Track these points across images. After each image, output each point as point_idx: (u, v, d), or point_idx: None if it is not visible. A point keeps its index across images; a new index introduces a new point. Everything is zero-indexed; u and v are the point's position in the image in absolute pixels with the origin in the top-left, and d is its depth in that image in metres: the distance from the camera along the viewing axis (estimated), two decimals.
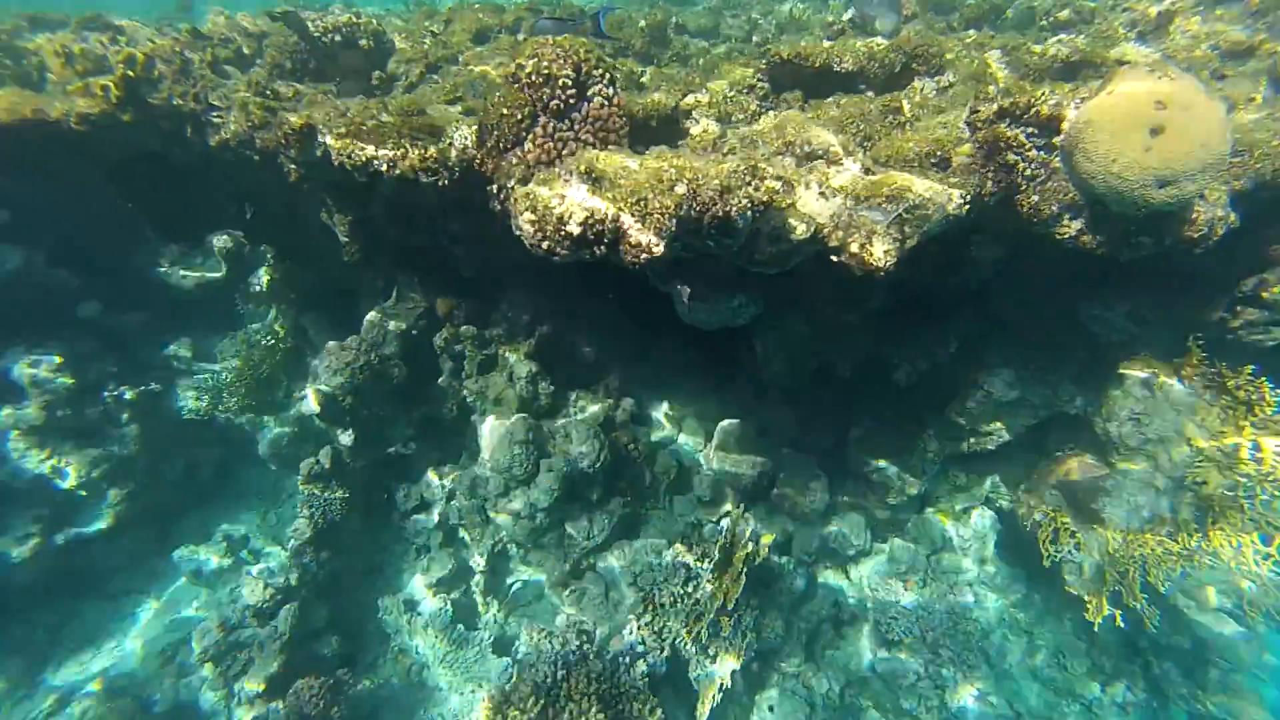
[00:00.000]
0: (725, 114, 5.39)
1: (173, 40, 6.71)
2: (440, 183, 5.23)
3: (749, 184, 3.54)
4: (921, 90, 5.57)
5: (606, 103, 4.86)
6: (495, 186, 4.89)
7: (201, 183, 7.43)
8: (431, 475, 8.57)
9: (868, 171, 4.07)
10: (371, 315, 8.19)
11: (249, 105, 5.82)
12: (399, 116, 5.22)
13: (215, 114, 6.46)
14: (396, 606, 7.97)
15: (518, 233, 3.67)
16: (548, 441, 7.59)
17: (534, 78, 4.67)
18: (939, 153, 4.10)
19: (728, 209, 3.51)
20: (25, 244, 8.83)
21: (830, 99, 5.54)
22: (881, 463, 7.81)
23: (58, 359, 8.31)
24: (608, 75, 4.90)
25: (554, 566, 8.05)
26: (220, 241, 9.96)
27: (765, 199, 3.57)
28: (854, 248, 3.77)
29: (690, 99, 5.39)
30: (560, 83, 4.67)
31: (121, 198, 6.70)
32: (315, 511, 7.08)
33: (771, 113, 5.39)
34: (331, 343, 6.98)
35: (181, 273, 10.07)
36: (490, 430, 7.32)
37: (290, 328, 9.41)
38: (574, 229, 3.43)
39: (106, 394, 8.53)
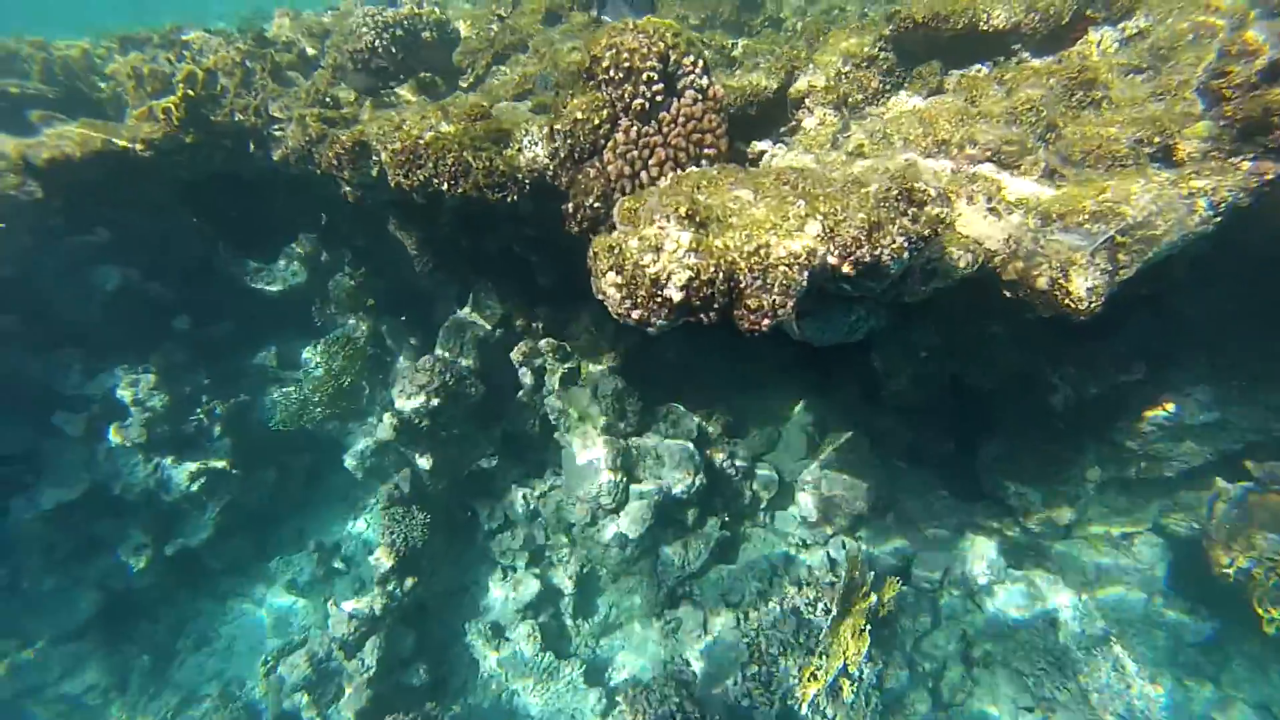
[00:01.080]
0: (843, 96, 4.37)
1: (235, 51, 6.31)
2: (509, 198, 4.53)
3: (904, 214, 2.62)
4: (1100, 45, 4.30)
5: (700, 97, 3.98)
6: (571, 205, 4.14)
7: (272, 196, 7.10)
8: (516, 493, 8.14)
9: (1054, 176, 3.01)
10: (448, 325, 7.75)
11: (305, 119, 5.31)
12: (460, 124, 4.54)
13: (277, 127, 6.03)
14: (483, 631, 7.67)
15: (600, 296, 2.90)
16: (638, 464, 6.94)
17: (612, 73, 3.84)
18: (1157, 138, 2.97)
19: (877, 252, 2.61)
20: (122, 263, 8.92)
21: (981, 70, 4.39)
22: (1025, 487, 6.67)
23: (153, 376, 8.38)
24: (700, 63, 4.01)
25: (647, 593, 7.48)
26: (300, 247, 9.79)
27: (926, 233, 2.64)
28: (1042, 282, 2.78)
29: (801, 82, 4.40)
30: (644, 77, 3.82)
31: (195, 218, 6.43)
32: (397, 538, 6.78)
33: (904, 93, 4.31)
34: (404, 363, 6.57)
35: (265, 281, 10.00)
36: (575, 455, 6.73)
37: (369, 335, 9.17)
38: (674, 294, 2.61)
39: (199, 410, 8.55)
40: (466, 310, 8.05)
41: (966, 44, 4.66)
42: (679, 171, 3.97)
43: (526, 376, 7.52)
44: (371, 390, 9.95)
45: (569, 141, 4.03)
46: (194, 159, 5.94)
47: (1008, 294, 2.92)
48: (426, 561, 7.53)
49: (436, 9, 6.88)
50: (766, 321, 2.52)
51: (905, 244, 2.62)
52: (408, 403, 6.46)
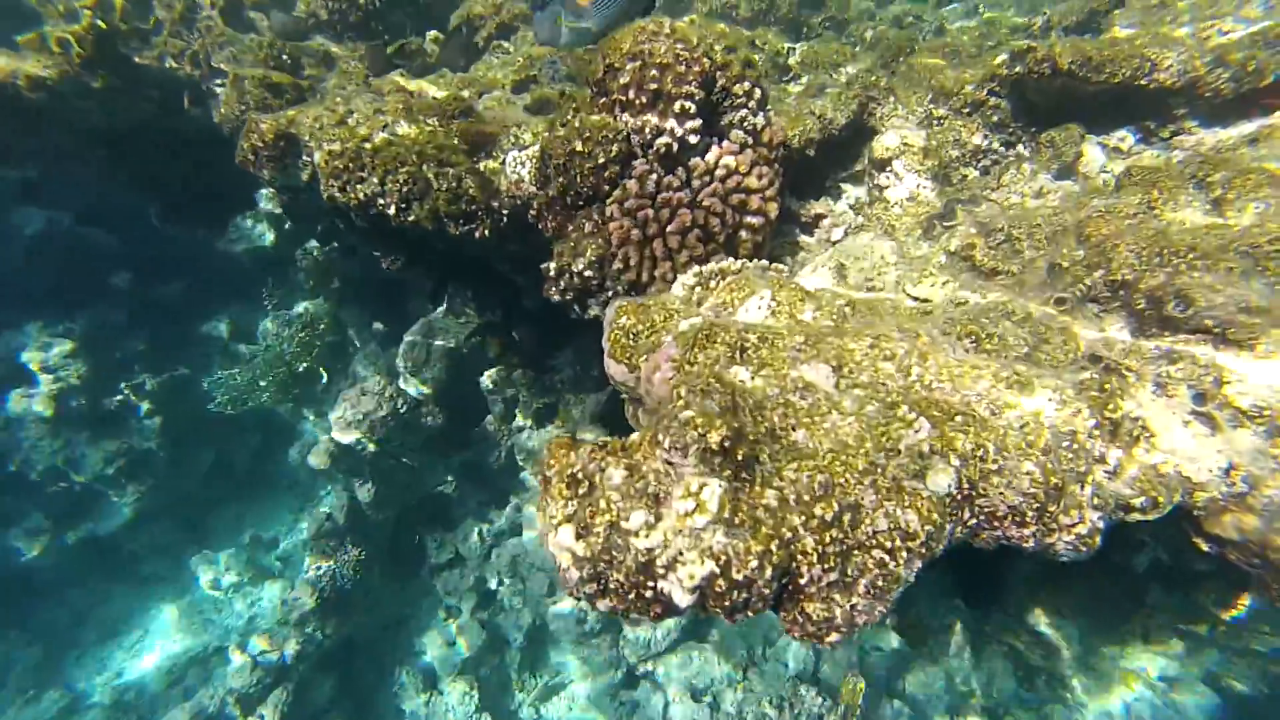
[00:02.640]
0: (942, 162, 3.20)
1: None
2: (477, 233, 3.39)
3: (1098, 461, 1.52)
4: None
5: (750, 141, 2.82)
6: (554, 264, 3.01)
7: (221, 160, 5.85)
8: (471, 527, 7.13)
9: None
10: (413, 333, 6.64)
11: (245, 83, 4.11)
12: (423, 126, 3.36)
13: (220, 82, 4.80)
14: (415, 681, 6.72)
15: (548, 547, 1.70)
16: None
17: (632, 94, 2.68)
18: None
19: (1049, 540, 1.51)
20: (51, 204, 7.71)
21: (1130, 140, 3.22)
22: (1063, 620, 5.67)
23: (71, 343, 7.25)
24: (757, 93, 2.85)
25: (603, 668, 6.54)
26: (268, 205, 8.55)
27: (1136, 499, 1.55)
28: (1275, 553, 1.72)
29: (891, 140, 3.23)
30: (677, 107, 2.66)
31: (120, 175, 5.24)
32: (323, 576, 5.78)
33: (1024, 164, 3.15)
34: (349, 389, 5.46)
35: (229, 240, 8.79)
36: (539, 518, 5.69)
37: (330, 320, 8.04)
38: (679, 596, 1.42)
39: (124, 385, 7.46)
40: (440, 312, 6.93)
41: (1109, 100, 3.48)
42: (706, 247, 2.84)
43: (497, 405, 6.44)
44: (330, 379, 8.84)
45: (561, 179, 2.89)
46: (108, 107, 4.73)
47: (1205, 546, 1.86)
48: (358, 599, 6.55)
49: None
50: (835, 637, 1.44)
51: (1096, 522, 1.53)
52: (347, 433, 5.38)
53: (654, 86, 2.69)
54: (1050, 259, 2.30)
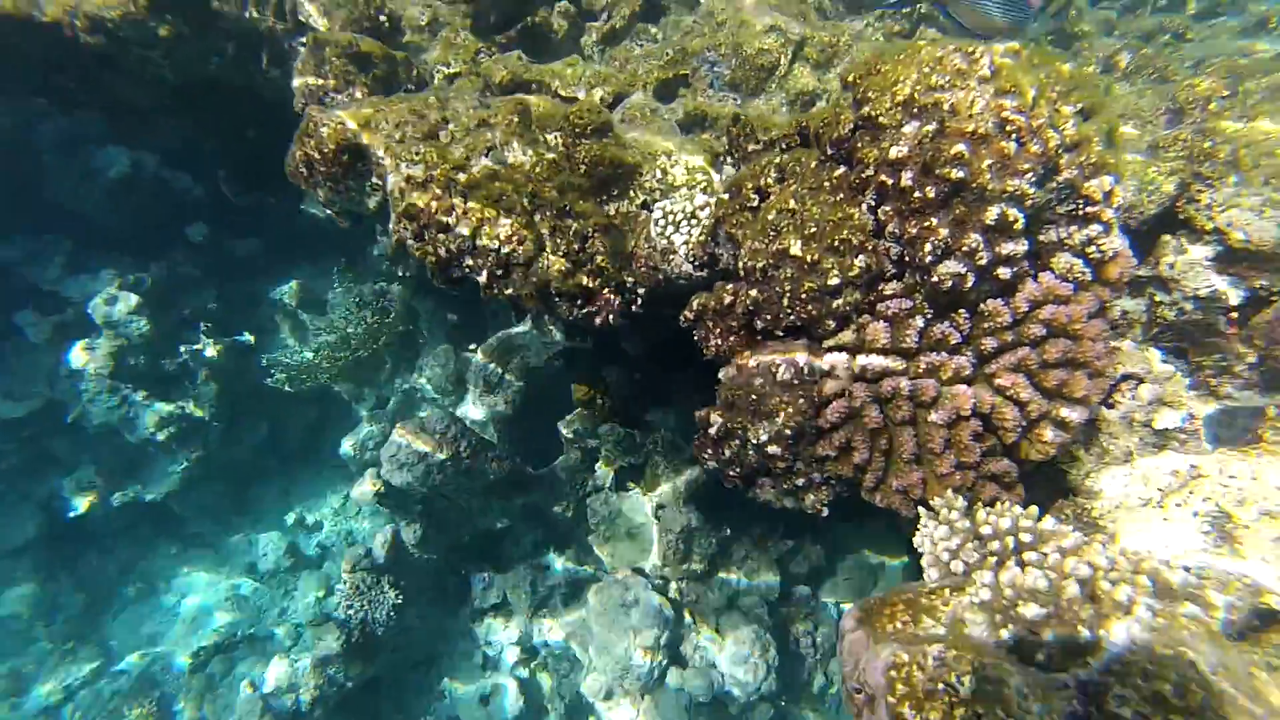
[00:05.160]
0: None
1: None
2: (599, 318, 2.31)
3: None
4: None
5: (1088, 275, 1.60)
6: (719, 418, 1.89)
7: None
8: (523, 574, 6.24)
9: None
10: (493, 342, 5.75)
11: (327, 49, 3.13)
12: (545, 153, 2.28)
13: (303, 40, 3.87)
14: None
15: None
16: (685, 638, 4.88)
17: (909, 180, 1.50)
18: None
19: None
20: (135, 145, 7.16)
21: None
22: None
23: (136, 298, 6.73)
24: (1118, 197, 1.61)
25: None
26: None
27: None
28: None
29: None
30: (994, 216, 1.47)
31: (196, 132, 4.47)
32: (353, 617, 5.01)
33: None
34: (406, 424, 4.56)
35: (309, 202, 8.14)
36: (601, 600, 4.72)
37: (402, 308, 7.27)
38: None
39: (183, 349, 6.92)
40: (524, 325, 5.99)
41: None
42: (982, 450, 1.65)
43: (574, 453, 5.46)
44: (394, 367, 8.16)
45: (756, 292, 1.75)
46: (175, 58, 3.89)
47: None
48: (389, 639, 5.80)
49: None
50: None
51: None
52: (398, 474, 4.50)
53: (955, 174, 1.50)
54: None
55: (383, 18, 4.02)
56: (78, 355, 6.88)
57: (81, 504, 7.38)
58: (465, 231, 2.19)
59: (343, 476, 9.34)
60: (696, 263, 2.23)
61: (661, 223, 2.39)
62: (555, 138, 2.71)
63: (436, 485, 4.77)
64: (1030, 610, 1.15)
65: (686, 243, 2.27)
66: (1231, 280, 2.67)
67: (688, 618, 4.94)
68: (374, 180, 2.48)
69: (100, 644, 7.74)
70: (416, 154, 2.30)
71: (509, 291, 2.26)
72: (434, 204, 2.20)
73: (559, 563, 6.35)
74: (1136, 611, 1.14)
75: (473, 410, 6.69)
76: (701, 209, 2.30)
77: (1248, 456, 1.76)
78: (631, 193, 2.82)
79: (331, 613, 5.42)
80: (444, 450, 4.61)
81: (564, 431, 5.23)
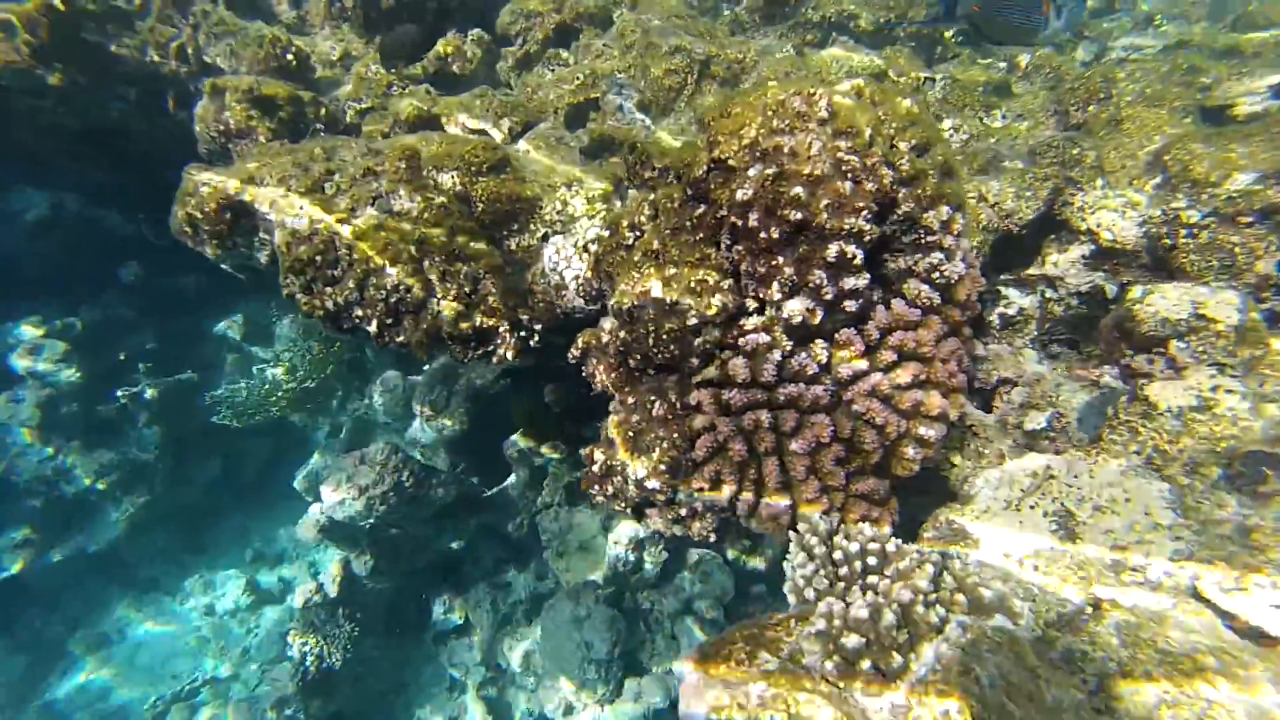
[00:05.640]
0: (1261, 356, 1.97)
1: None
2: (495, 357, 2.34)
3: None
4: None
5: (938, 300, 1.67)
6: (601, 454, 1.94)
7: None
8: (483, 593, 6.24)
9: None
10: (429, 374, 5.71)
11: (227, 94, 3.10)
12: (434, 198, 2.30)
13: (208, 83, 3.81)
14: None
15: None
16: (642, 645, 4.93)
17: (756, 221, 1.56)
18: None
19: None
20: (57, 185, 6.94)
21: None
22: None
23: (63, 345, 6.54)
24: (958, 224, 1.68)
25: None
26: None
27: None
28: None
29: (1174, 309, 1.99)
30: (834, 252, 1.54)
31: (108, 178, 4.37)
32: (309, 655, 4.96)
33: None
34: (346, 459, 4.53)
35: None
36: (554, 616, 4.76)
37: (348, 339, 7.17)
38: None
39: (121, 394, 6.75)
40: None
41: None
42: (848, 471, 1.72)
43: (522, 472, 5.48)
44: (345, 394, 8.06)
45: (624, 333, 1.80)
46: (73, 105, 3.80)
47: None
48: (348, 673, 5.75)
49: None
50: None
51: None
52: (341, 508, 4.47)
53: (795, 215, 1.57)
54: None
55: (289, 57, 3.98)
56: (2, 408, 6.68)
57: (14, 565, 7.15)
58: (351, 284, 2.20)
59: (303, 508, 9.17)
60: (586, 297, 2.27)
61: (554, 258, 2.43)
62: (451, 178, 2.73)
63: (382, 516, 4.75)
64: (850, 640, 1.22)
65: (576, 278, 2.32)
66: (1105, 276, 2.81)
67: (642, 626, 4.99)
68: (262, 235, 2.47)
69: (45, 704, 7.48)
70: (300, 209, 2.31)
71: (400, 339, 2.28)
72: (319, 258, 2.21)
73: (520, 579, 6.36)
74: (948, 631, 1.22)
75: (421, 434, 6.66)
76: (592, 243, 2.35)
77: (1089, 456, 1.87)
78: (533, 226, 2.85)
79: (287, 651, 5.37)
80: (385, 482, 4.59)
81: (509, 451, 5.24)
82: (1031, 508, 1.76)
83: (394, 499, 4.71)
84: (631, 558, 5.00)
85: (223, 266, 2.69)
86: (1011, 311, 3.19)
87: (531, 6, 4.20)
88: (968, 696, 1.07)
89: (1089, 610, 1.49)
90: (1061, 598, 1.55)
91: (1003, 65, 4.88)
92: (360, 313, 2.20)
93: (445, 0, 4.28)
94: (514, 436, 5.30)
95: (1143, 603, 1.48)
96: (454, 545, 6.26)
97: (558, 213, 2.86)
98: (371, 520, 4.79)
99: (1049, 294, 3.04)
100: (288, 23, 4.66)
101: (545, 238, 2.82)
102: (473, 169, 2.77)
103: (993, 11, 4.15)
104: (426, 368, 6.27)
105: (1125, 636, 1.35)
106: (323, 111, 3.79)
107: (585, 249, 2.37)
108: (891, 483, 1.83)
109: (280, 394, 7.42)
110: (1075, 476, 1.77)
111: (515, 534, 5.90)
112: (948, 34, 5.16)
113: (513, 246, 2.81)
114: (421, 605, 6.59)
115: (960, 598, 1.32)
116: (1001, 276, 3.14)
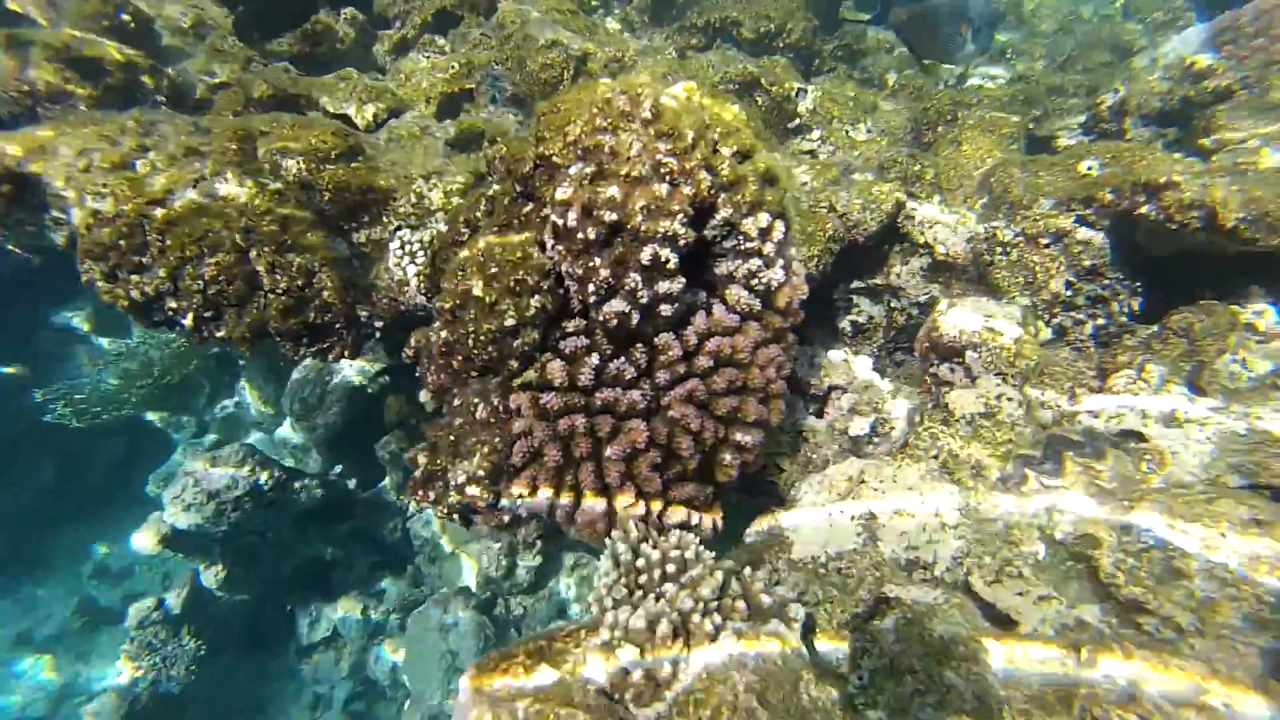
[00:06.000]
0: (1039, 365, 2.13)
1: None
2: (332, 354, 2.21)
3: None
4: None
5: (758, 305, 1.72)
6: (424, 459, 1.87)
7: None
8: (354, 602, 5.93)
9: None
10: (301, 371, 5.38)
11: (32, 49, 2.77)
12: (268, 185, 2.14)
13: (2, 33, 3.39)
14: None
15: None
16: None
17: (574, 219, 1.55)
18: None
19: None
20: None
21: None
22: None
23: None
24: (778, 231, 1.73)
25: None
26: None
27: None
28: None
29: (968, 323, 2.15)
30: (649, 255, 1.54)
31: None
32: (140, 682, 4.52)
33: (1155, 372, 2.14)
34: (194, 461, 4.18)
35: None
36: (420, 624, 4.59)
37: None
38: None
39: None
40: None
41: (1249, 257, 2.49)
42: (666, 476, 1.73)
43: (395, 473, 5.25)
44: (214, 390, 7.48)
45: (446, 333, 1.74)
46: None
47: None
48: (194, 695, 5.32)
49: None
50: None
51: None
52: (187, 515, 4.11)
53: (609, 216, 1.56)
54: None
55: (125, 16, 3.62)
56: None
57: None
58: (163, 273, 2.01)
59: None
60: (428, 294, 2.19)
61: (399, 253, 2.33)
62: (296, 163, 2.57)
63: (235, 522, 4.41)
64: (625, 651, 1.22)
65: (419, 274, 2.23)
66: (941, 288, 3.02)
67: (513, 633, 4.90)
68: (56, 214, 2.21)
69: None
70: (104, 186, 2.08)
71: (220, 334, 2.11)
72: (123, 242, 2.00)
73: (394, 587, 6.10)
74: (721, 639, 1.25)
75: (291, 434, 6.27)
76: (436, 238, 2.26)
77: (895, 460, 1.99)
78: (385, 218, 2.72)
79: (115, 678, 4.89)
80: (239, 486, 4.27)
81: (381, 452, 5.02)
82: (842, 513, 1.84)
83: (249, 504, 4.39)
84: (504, 562, 4.91)
85: (10, 248, 2.39)
86: (862, 319, 3.36)
87: None
88: (721, 707, 1.09)
89: (880, 608, 1.57)
90: (858, 598, 1.62)
91: (875, 84, 5.18)
92: (175, 304, 2.02)
93: None
94: (386, 437, 5.09)
95: (922, 598, 1.58)
96: (324, 552, 5.93)
97: (413, 205, 2.74)
98: (223, 528, 4.44)
99: (894, 303, 3.22)
100: None
101: (398, 230, 2.71)
102: (319, 155, 2.62)
103: (921, 26, 4.45)
104: (299, 364, 5.89)
105: (901, 631, 1.43)
106: (165, 83, 3.48)
107: (429, 244, 2.29)
108: (717, 487, 1.87)
109: (134, 390, 6.79)
110: (881, 482, 1.87)
111: (390, 539, 5.66)
112: (826, 47, 5.41)
113: (362, 239, 2.68)
114: (287, 617, 6.20)
115: (740, 605, 1.35)
116: (853, 285, 3.31)
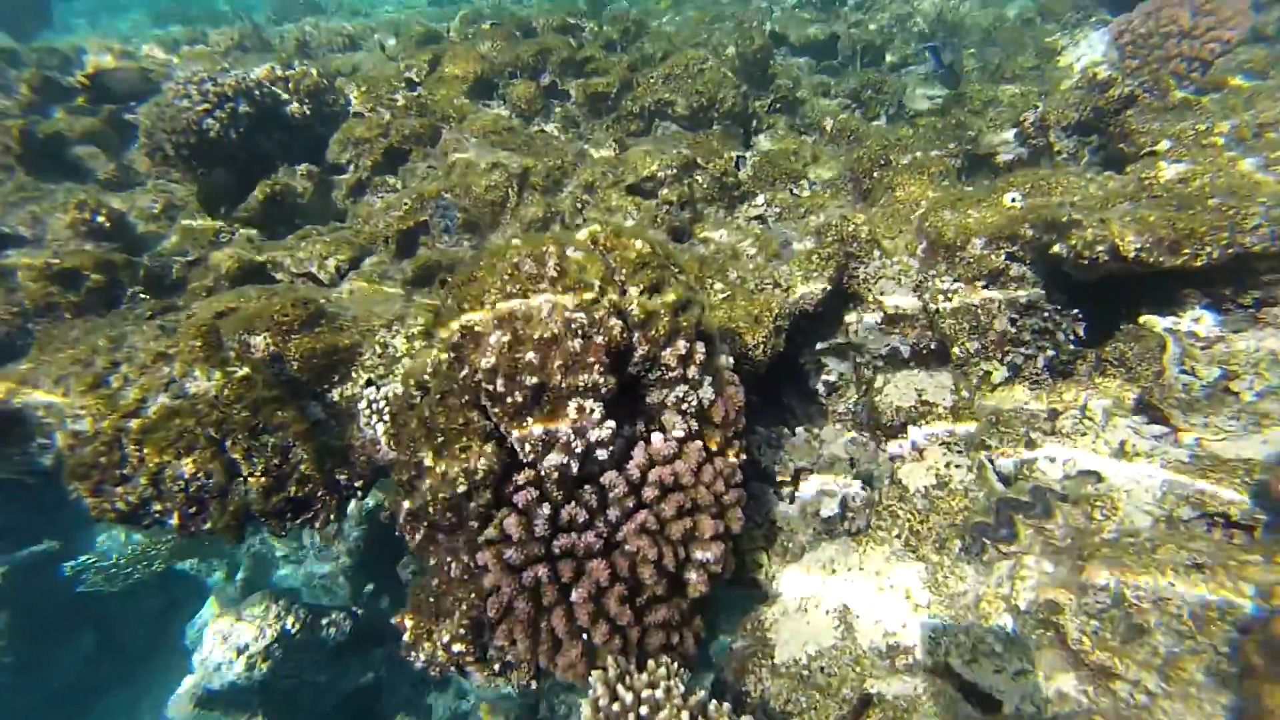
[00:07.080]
0: (982, 429, 2.19)
1: None
2: (318, 521, 2.31)
3: None
4: None
5: (694, 427, 1.81)
6: (410, 623, 1.94)
7: None
8: None
9: None
10: None
11: (20, 273, 2.99)
12: (235, 371, 2.29)
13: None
14: None
15: None
16: None
17: (502, 387, 1.65)
18: None
19: None
20: None
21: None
22: None
23: None
24: (699, 354, 1.83)
25: None
26: None
27: None
28: None
29: (904, 400, 2.21)
30: (574, 409, 1.64)
31: None
32: None
33: (1097, 409, 2.19)
34: (219, 619, 4.26)
35: None
36: None
37: None
38: None
39: None
40: None
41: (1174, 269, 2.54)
42: (637, 608, 1.80)
43: None
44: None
45: (408, 502, 1.84)
46: None
47: None
48: None
49: (315, 73, 4.57)
50: None
51: None
52: (218, 675, 4.16)
53: (531, 380, 1.67)
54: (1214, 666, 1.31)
55: (100, 219, 3.89)
56: None
57: None
58: (144, 480, 2.15)
59: None
60: (397, 445, 2.29)
61: (366, 413, 2.46)
62: (263, 339, 2.73)
63: (268, 672, 4.46)
64: None
65: (386, 433, 2.34)
66: (900, 339, 3.08)
67: None
68: (41, 441, 2.38)
69: None
70: (81, 408, 2.25)
71: (208, 527, 2.23)
72: (103, 459, 2.15)
73: (440, 701, 6.08)
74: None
75: (317, 566, 6.37)
76: (394, 400, 2.39)
77: (859, 545, 2.02)
78: (355, 374, 2.87)
79: None
80: (266, 635, 4.34)
81: (403, 574, 5.07)
82: (817, 607, 1.88)
83: (279, 651, 4.45)
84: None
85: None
86: (833, 378, 3.42)
87: (359, 134, 4.31)
88: None
89: (863, 711, 1.59)
90: (841, 698, 1.65)
91: (812, 133, 5.35)
92: (159, 507, 2.14)
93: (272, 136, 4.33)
94: (405, 557, 5.15)
95: (903, 691, 1.60)
96: (365, 679, 5.93)
97: (379, 357, 2.90)
98: (257, 679, 4.49)
99: (859, 359, 3.28)
100: (105, 177, 4.58)
101: (370, 383, 2.85)
102: (283, 328, 2.79)
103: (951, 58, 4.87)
104: None
105: None
106: (141, 273, 3.71)
107: (391, 402, 2.41)
108: (691, 604, 1.91)
109: (162, 544, 6.94)
110: (849, 570, 1.90)
111: None
112: (760, 105, 5.62)
113: (336, 397, 2.82)
114: None
115: None
116: (818, 346, 3.38)
